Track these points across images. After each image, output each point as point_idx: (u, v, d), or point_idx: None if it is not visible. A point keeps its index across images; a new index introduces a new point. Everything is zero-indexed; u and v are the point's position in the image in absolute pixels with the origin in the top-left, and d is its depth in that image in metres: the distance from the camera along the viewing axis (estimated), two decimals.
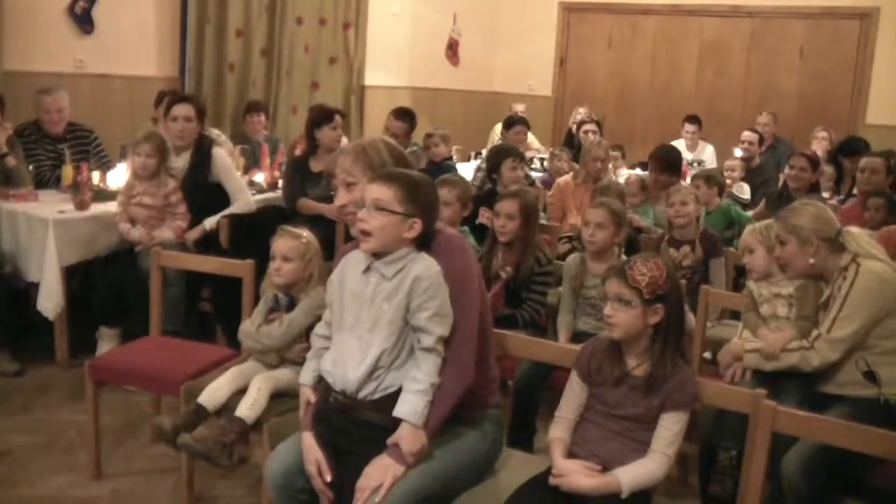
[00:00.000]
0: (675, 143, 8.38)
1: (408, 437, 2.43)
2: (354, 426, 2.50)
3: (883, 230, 4.52)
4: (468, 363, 2.55)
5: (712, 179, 5.69)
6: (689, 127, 8.68)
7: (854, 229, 3.28)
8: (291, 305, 3.30)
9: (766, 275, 3.52)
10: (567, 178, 6.32)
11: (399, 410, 2.44)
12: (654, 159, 6.07)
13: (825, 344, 3.08)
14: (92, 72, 6.71)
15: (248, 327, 3.30)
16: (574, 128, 8.86)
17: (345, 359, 2.53)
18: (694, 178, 5.93)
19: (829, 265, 3.18)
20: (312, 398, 2.65)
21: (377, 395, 2.49)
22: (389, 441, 2.45)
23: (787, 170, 5.87)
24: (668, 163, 6.00)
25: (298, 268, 3.28)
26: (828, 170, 6.72)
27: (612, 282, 2.57)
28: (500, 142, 7.50)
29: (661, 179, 5.89)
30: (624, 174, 6.86)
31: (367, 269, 2.54)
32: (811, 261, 3.19)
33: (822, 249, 3.17)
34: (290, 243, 3.29)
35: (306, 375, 2.71)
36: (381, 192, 2.49)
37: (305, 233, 3.37)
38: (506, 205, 4.08)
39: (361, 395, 2.49)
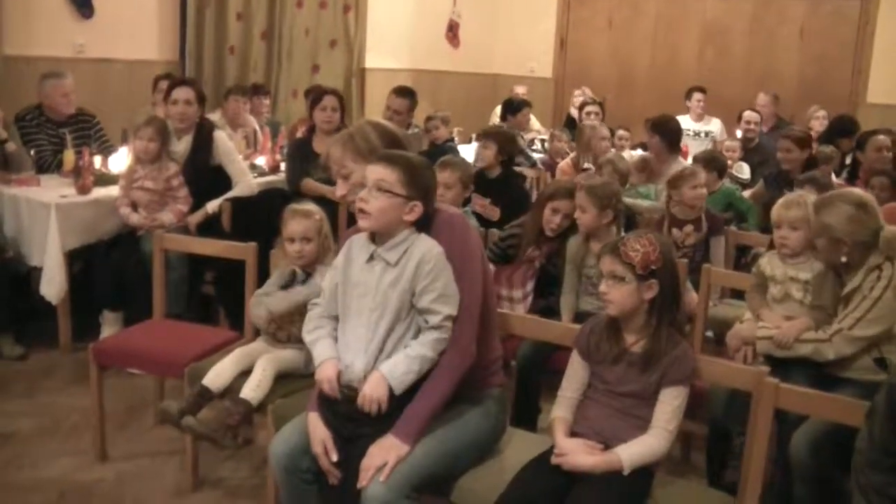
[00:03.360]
0: (679, 118, 8.37)
1: (372, 383, 2.46)
2: (361, 413, 2.50)
3: (885, 207, 4.52)
4: (469, 342, 2.57)
5: (713, 162, 5.64)
6: (697, 96, 8.62)
7: (893, 229, 3.14)
8: (308, 281, 3.31)
9: (797, 253, 3.40)
10: (567, 163, 6.32)
11: (381, 365, 2.48)
12: (655, 128, 6.03)
13: (844, 340, 3.04)
14: (92, 56, 6.68)
15: (260, 293, 3.31)
16: (575, 110, 8.83)
17: (351, 350, 2.55)
18: (695, 160, 5.91)
19: (858, 260, 3.10)
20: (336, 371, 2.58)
21: None
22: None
23: (778, 153, 5.84)
24: (668, 130, 6.00)
25: (318, 246, 3.30)
26: (828, 150, 6.69)
27: (606, 259, 2.59)
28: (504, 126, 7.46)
29: (662, 145, 5.92)
30: (626, 155, 6.84)
31: (371, 258, 2.55)
32: (843, 259, 3.10)
33: (855, 250, 3.08)
34: (307, 223, 3.29)
35: (327, 350, 2.62)
36: (383, 173, 2.50)
37: (313, 208, 3.37)
38: (567, 204, 4.04)
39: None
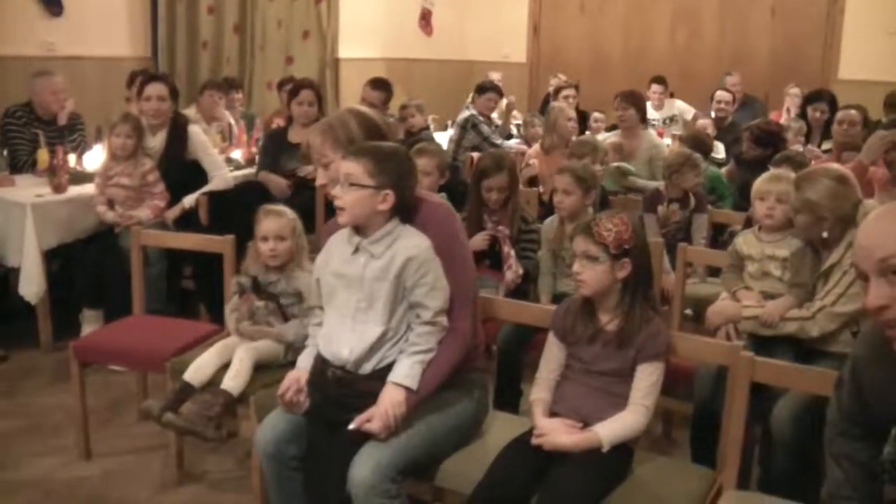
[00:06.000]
0: None
1: (392, 399, 2.47)
2: (353, 397, 2.53)
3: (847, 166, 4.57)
4: (466, 330, 2.63)
5: (700, 145, 5.68)
6: (655, 87, 8.70)
7: (871, 203, 3.16)
8: (255, 286, 3.33)
9: (778, 228, 3.43)
10: (536, 148, 6.34)
11: (394, 375, 2.50)
12: (630, 100, 6.16)
13: (827, 317, 3.07)
14: (63, 54, 6.64)
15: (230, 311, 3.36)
16: (552, 94, 8.83)
17: (338, 337, 2.57)
18: (681, 140, 5.94)
19: (837, 235, 3.12)
20: (302, 382, 2.66)
21: (378, 367, 2.55)
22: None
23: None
24: (640, 102, 6.28)
25: (292, 245, 3.32)
26: (795, 125, 6.77)
27: (579, 239, 2.60)
28: (470, 108, 7.47)
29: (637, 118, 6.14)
30: (601, 137, 6.86)
31: (356, 251, 2.58)
32: (824, 234, 3.13)
33: (837, 224, 3.11)
34: (281, 222, 3.31)
35: (304, 360, 2.73)
36: (351, 167, 2.53)
37: (286, 209, 3.40)
38: (499, 179, 4.08)
39: (361, 370, 2.55)
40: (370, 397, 2.50)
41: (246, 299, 3.35)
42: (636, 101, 6.23)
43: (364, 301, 2.55)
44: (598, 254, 2.55)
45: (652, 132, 6.50)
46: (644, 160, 6.02)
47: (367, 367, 2.54)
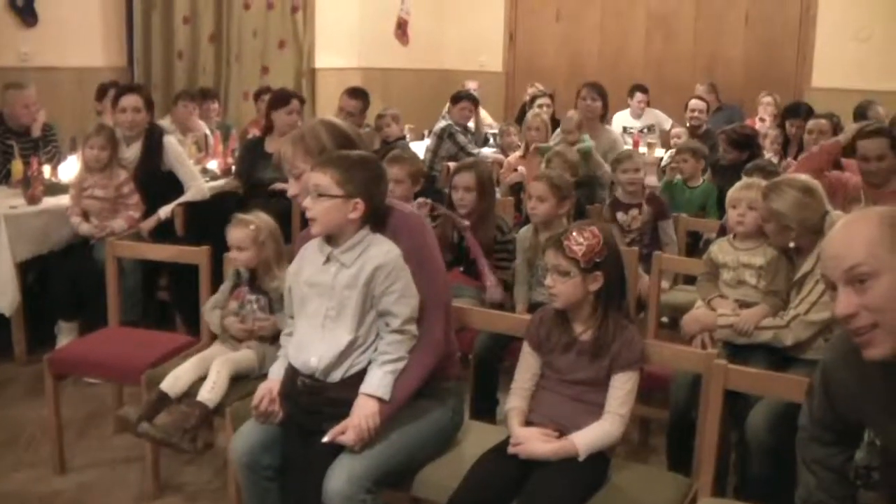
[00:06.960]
0: (619, 113, 8.55)
1: (365, 410, 2.48)
2: (324, 405, 2.55)
3: (829, 175, 4.62)
4: (439, 337, 2.63)
5: (698, 152, 5.71)
6: (639, 96, 8.74)
7: (839, 213, 3.19)
8: (252, 280, 3.34)
9: (750, 235, 3.45)
10: (516, 157, 6.37)
11: (366, 386, 2.50)
12: (599, 92, 6.21)
13: (801, 325, 3.11)
14: (38, 65, 6.61)
15: (211, 304, 3.42)
16: (528, 102, 8.85)
17: (307, 345, 2.58)
18: (679, 150, 5.93)
19: (808, 243, 3.16)
20: (275, 392, 2.67)
21: (347, 375, 2.55)
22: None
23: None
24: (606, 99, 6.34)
25: (253, 255, 3.32)
26: (772, 132, 6.83)
27: (550, 253, 2.62)
28: (446, 117, 7.49)
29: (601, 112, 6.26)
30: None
31: (328, 260, 2.59)
32: (792, 244, 3.19)
33: (804, 234, 3.15)
34: (241, 233, 3.33)
35: (276, 371, 2.74)
36: (318, 178, 2.54)
37: (255, 218, 3.40)
38: (464, 177, 4.12)
39: (329, 378, 2.55)
40: (341, 405, 2.50)
41: (238, 294, 3.36)
42: (603, 94, 6.22)
43: (333, 309, 2.56)
44: (569, 268, 2.56)
45: (611, 129, 6.49)
46: (601, 156, 5.99)
47: (336, 376, 2.55)
